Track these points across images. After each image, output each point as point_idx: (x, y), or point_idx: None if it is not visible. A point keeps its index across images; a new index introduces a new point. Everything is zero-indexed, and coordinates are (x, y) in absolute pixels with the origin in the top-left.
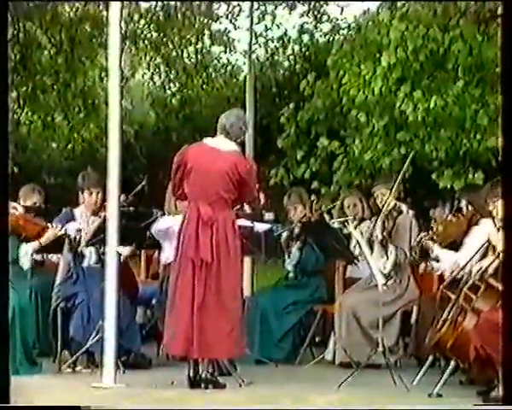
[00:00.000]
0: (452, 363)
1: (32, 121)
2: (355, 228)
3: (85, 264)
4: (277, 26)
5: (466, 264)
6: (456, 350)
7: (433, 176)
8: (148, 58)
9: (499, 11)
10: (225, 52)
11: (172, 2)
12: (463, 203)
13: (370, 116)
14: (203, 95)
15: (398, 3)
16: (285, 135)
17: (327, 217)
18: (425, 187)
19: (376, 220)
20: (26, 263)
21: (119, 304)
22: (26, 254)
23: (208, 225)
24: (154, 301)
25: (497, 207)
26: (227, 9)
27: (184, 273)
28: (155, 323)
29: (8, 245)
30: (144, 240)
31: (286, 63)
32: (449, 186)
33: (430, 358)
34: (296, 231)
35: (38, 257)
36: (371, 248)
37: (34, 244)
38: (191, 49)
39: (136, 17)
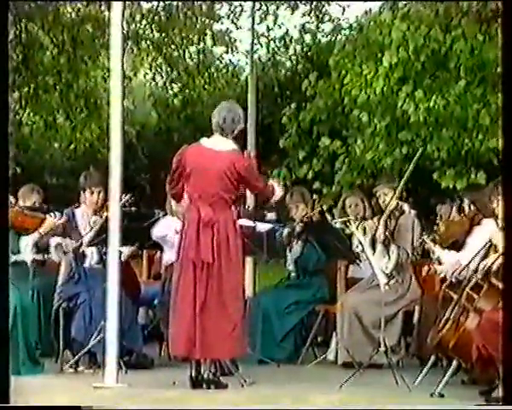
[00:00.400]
0: (454, 363)
1: (35, 122)
2: (357, 228)
3: (87, 264)
4: (279, 26)
5: (468, 264)
6: (458, 350)
7: (435, 176)
8: (149, 58)
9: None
10: (227, 52)
11: (174, 3)
12: (466, 203)
13: (372, 116)
14: (205, 95)
15: (400, 3)
16: (287, 135)
17: (328, 217)
18: (427, 187)
19: (379, 220)
20: (27, 256)
21: (120, 304)
22: (26, 246)
23: (209, 226)
24: (156, 302)
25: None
26: (229, 10)
27: (186, 274)
28: (157, 323)
29: (8, 244)
30: (146, 240)
31: (288, 63)
32: (451, 186)
33: (432, 358)
34: (298, 229)
35: (40, 257)
36: (373, 248)
37: (34, 235)
38: (193, 49)
39: (138, 17)
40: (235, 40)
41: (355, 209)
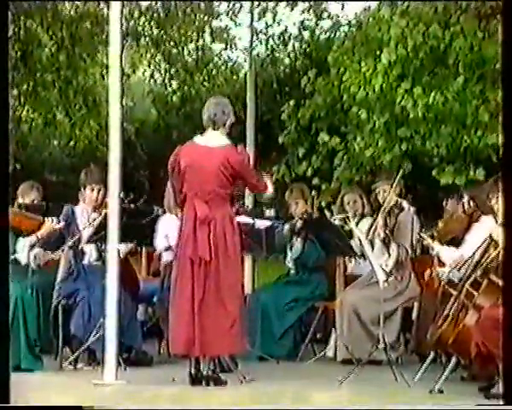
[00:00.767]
0: (453, 359)
1: (34, 119)
2: (356, 225)
3: (86, 261)
4: (278, 23)
5: (467, 260)
6: (457, 346)
7: (434, 172)
8: (148, 55)
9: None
10: (226, 49)
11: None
12: (466, 199)
13: (371, 113)
14: (204, 92)
15: (399, 1)
16: (286, 132)
17: (327, 213)
18: (426, 183)
19: (378, 217)
20: (23, 257)
21: (120, 301)
22: (23, 248)
23: (205, 223)
24: (155, 299)
25: (500, 202)
26: (227, 6)
27: (184, 272)
28: (156, 320)
29: (8, 242)
30: (145, 237)
31: (287, 60)
32: (450, 182)
33: (431, 354)
34: (297, 226)
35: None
36: (372, 244)
37: (31, 238)
38: (192, 46)
39: (136, 14)
40: (234, 37)
41: (353, 206)
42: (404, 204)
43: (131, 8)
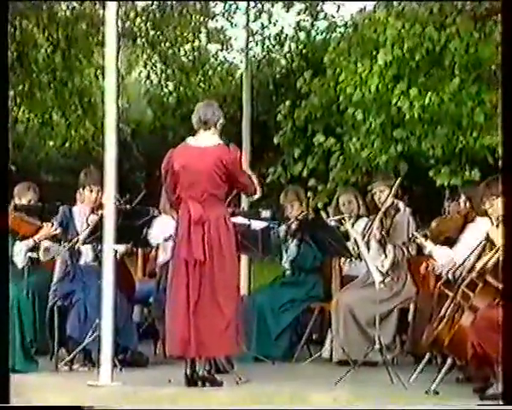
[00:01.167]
0: (449, 360)
1: (29, 119)
2: (352, 226)
3: (82, 262)
4: (274, 23)
5: (464, 261)
6: (453, 347)
7: (430, 173)
8: (144, 56)
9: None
10: (222, 50)
11: (168, 2)
12: (462, 199)
13: (367, 114)
14: (200, 93)
15: (395, 2)
16: (282, 133)
17: (324, 214)
18: (422, 184)
19: (374, 218)
20: (20, 261)
21: (115, 302)
22: (20, 251)
23: (200, 224)
24: (151, 300)
25: (494, 205)
26: (223, 7)
27: (179, 273)
28: (152, 321)
29: (8, 242)
30: (141, 238)
31: (282, 61)
32: (446, 183)
33: (427, 355)
34: (293, 228)
35: (35, 255)
36: (368, 245)
37: (28, 242)
38: (188, 47)
39: (132, 15)
40: (230, 38)
41: (348, 207)
42: (400, 205)
43: (127, 8)
